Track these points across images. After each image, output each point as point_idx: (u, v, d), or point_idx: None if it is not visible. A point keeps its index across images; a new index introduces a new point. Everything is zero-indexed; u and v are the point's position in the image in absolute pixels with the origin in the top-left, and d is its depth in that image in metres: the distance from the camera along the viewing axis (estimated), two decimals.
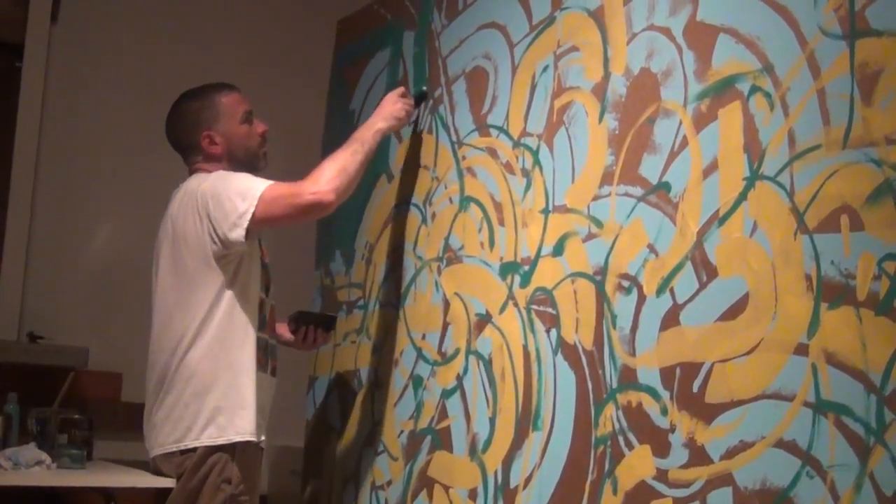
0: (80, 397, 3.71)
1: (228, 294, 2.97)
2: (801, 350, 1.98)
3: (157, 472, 3.02)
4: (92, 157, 4.13)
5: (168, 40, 4.30)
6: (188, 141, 3.14)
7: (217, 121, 3.12)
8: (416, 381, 3.10)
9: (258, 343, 3.03)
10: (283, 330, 3.33)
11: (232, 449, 2.93)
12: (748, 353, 2.08)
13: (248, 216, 2.89)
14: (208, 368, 2.95)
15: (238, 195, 2.92)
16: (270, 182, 2.96)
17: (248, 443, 2.96)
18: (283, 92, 4.37)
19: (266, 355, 3.08)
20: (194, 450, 2.92)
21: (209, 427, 2.93)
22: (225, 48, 4.38)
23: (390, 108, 3.19)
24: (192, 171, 3.14)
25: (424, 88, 3.32)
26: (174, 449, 2.95)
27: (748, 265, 2.11)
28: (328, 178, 2.93)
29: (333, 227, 3.66)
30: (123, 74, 4.21)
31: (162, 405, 3.00)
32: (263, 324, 3.09)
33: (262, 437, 3.03)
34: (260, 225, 2.92)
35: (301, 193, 2.91)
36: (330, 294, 3.64)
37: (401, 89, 3.26)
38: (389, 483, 3.15)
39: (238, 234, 2.89)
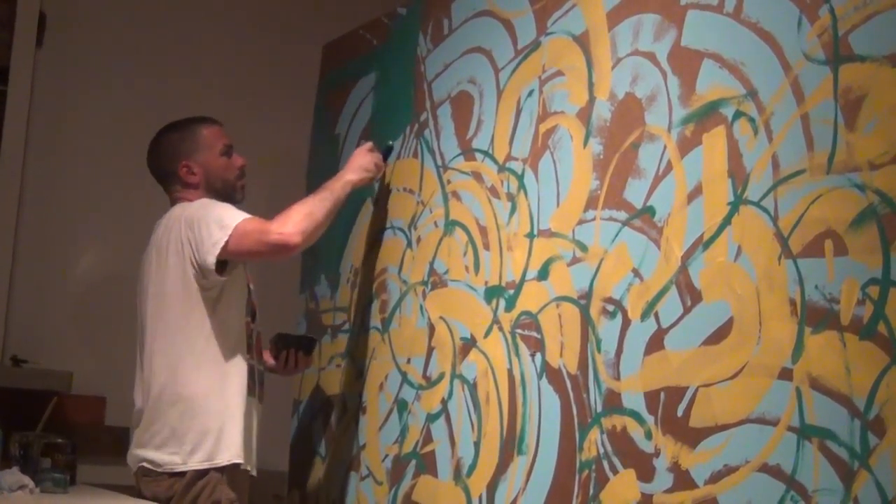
0: (63, 421, 3.69)
1: (213, 319, 3.04)
2: (786, 375, 1.98)
3: (141, 495, 3.04)
4: (77, 181, 4.11)
5: (153, 66, 4.29)
6: (167, 170, 3.21)
7: (196, 151, 3.19)
8: (401, 406, 3.09)
9: (246, 368, 3.05)
10: (267, 357, 3.35)
11: (220, 471, 2.97)
12: (732, 377, 2.08)
13: (220, 245, 2.95)
14: (195, 393, 3.00)
15: (216, 223, 2.99)
16: (248, 216, 3.02)
17: (236, 466, 2.99)
18: (269, 117, 4.36)
19: (254, 381, 3.11)
20: (183, 473, 2.95)
21: (197, 452, 2.97)
22: (210, 73, 4.37)
23: (360, 160, 3.25)
24: (173, 201, 3.20)
25: (391, 143, 3.36)
26: (162, 471, 2.98)
27: (732, 290, 2.11)
28: (296, 220, 2.99)
29: (318, 251, 3.66)
30: (109, 99, 4.20)
31: (149, 430, 3.03)
32: (251, 349, 3.12)
33: (251, 465, 3.06)
34: (231, 256, 2.99)
35: (269, 232, 2.97)
36: (315, 318, 3.64)
37: (368, 144, 3.31)
38: None
39: (210, 261, 2.95)
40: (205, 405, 2.99)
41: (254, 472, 3.08)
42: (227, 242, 2.95)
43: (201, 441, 2.97)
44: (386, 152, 3.35)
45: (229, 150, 3.24)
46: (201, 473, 2.95)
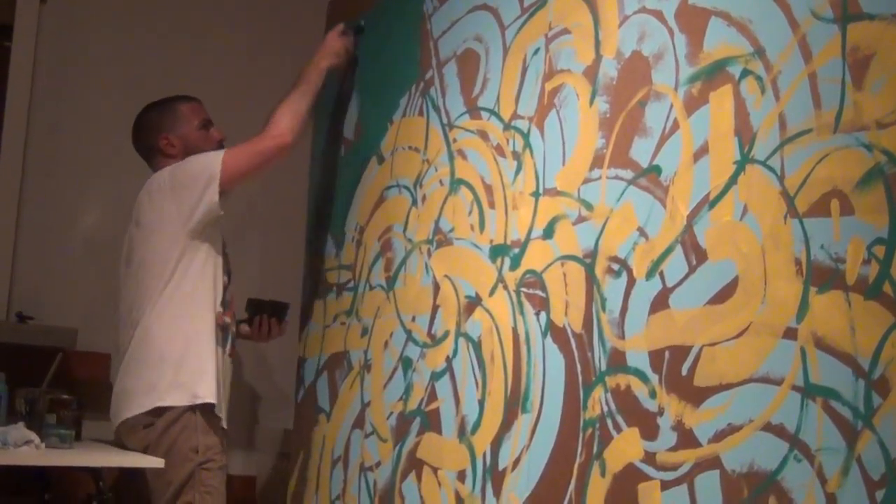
0: (68, 378, 3.70)
1: (192, 269, 3.18)
2: (790, 334, 1.98)
3: (121, 447, 3.18)
4: (81, 137, 4.11)
5: (157, 21, 4.28)
6: (148, 144, 3.39)
7: (175, 125, 3.37)
8: (406, 363, 3.10)
9: (216, 323, 3.20)
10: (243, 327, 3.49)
11: (193, 413, 3.09)
12: (737, 336, 2.08)
13: (217, 177, 3.13)
14: (168, 336, 3.13)
15: (203, 164, 3.18)
16: (225, 148, 3.26)
17: (210, 409, 3.11)
18: (275, 75, 4.35)
19: (226, 338, 3.19)
20: (153, 422, 3.07)
21: (171, 390, 3.09)
22: (215, 30, 4.36)
23: (332, 45, 3.49)
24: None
25: (362, 24, 3.55)
26: (137, 412, 3.11)
27: (738, 249, 2.11)
28: (285, 121, 3.25)
29: (323, 209, 3.66)
30: (113, 54, 4.19)
31: (125, 373, 3.17)
32: (226, 305, 3.25)
33: (223, 415, 3.17)
34: (229, 183, 3.16)
35: (262, 141, 3.23)
36: (320, 276, 3.64)
37: (340, 27, 3.52)
38: (378, 464, 3.15)
39: (211, 195, 3.13)
40: (177, 348, 3.12)
41: (224, 425, 3.17)
42: (222, 172, 3.12)
43: (175, 380, 3.10)
44: (357, 33, 3.52)
45: (208, 123, 3.39)
46: (173, 419, 3.07)
